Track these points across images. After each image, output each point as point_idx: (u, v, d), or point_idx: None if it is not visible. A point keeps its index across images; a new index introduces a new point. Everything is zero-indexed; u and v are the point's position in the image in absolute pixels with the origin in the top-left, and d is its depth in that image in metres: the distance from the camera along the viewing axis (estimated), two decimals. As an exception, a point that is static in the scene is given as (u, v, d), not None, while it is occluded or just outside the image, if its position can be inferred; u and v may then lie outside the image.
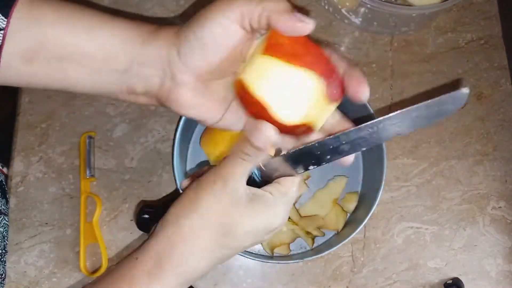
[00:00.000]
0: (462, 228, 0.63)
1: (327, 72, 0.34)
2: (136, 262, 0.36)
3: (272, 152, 0.38)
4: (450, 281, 0.60)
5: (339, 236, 0.59)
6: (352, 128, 0.36)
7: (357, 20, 0.66)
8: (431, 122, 0.35)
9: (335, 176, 0.62)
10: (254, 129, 0.35)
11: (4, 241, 0.58)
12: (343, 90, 0.35)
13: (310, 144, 0.37)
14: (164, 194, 0.61)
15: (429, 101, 0.33)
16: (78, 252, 0.58)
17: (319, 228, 0.59)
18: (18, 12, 0.35)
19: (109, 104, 0.63)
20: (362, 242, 0.62)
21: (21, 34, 0.35)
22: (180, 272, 0.36)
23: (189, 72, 0.36)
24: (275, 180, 0.39)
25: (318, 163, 0.38)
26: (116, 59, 0.36)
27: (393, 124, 0.35)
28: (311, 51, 0.34)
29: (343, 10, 0.65)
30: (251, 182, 0.38)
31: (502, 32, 0.70)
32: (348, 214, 0.61)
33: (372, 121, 0.35)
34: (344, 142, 0.36)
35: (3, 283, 0.57)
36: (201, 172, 0.39)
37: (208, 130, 0.59)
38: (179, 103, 0.38)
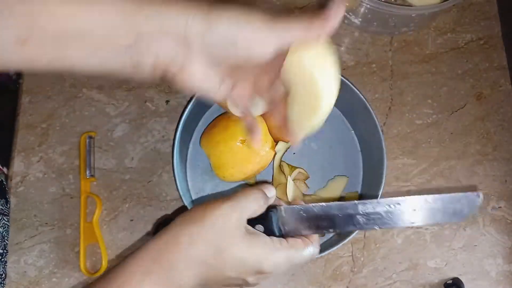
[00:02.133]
0: (462, 228, 0.63)
1: None
2: (132, 260, 0.37)
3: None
4: (450, 281, 0.60)
5: (339, 236, 0.59)
6: (371, 200, 0.38)
7: (356, 21, 0.66)
8: (444, 219, 0.38)
9: (335, 176, 0.62)
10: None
11: (4, 241, 0.58)
12: None
13: (328, 205, 0.39)
14: (164, 194, 0.61)
15: (445, 195, 0.37)
16: (78, 252, 0.58)
17: (319, 228, 0.59)
18: None
19: (109, 104, 0.63)
20: (362, 242, 0.62)
21: (10, 15, 0.32)
22: (168, 276, 0.36)
23: (206, 57, 0.34)
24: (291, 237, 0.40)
25: (333, 227, 0.39)
26: (118, 34, 0.33)
27: (409, 208, 0.38)
28: None
29: (343, 11, 0.65)
30: (268, 232, 0.39)
31: (501, 32, 0.70)
32: (348, 214, 0.61)
33: (391, 198, 0.38)
34: (361, 212, 0.38)
35: (3, 283, 0.57)
36: None
37: (208, 130, 0.59)
38: (186, 81, 0.36)
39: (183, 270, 0.36)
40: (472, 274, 0.62)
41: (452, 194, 0.37)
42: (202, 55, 0.34)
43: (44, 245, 0.59)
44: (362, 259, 0.61)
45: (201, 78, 0.35)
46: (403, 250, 0.62)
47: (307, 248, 0.39)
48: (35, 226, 0.59)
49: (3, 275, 0.57)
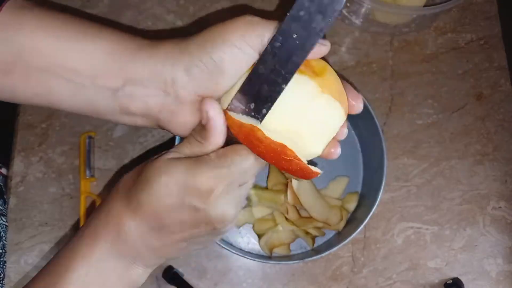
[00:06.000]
0: (462, 228, 0.63)
1: None
2: (83, 228, 0.34)
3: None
4: (450, 281, 0.60)
5: (340, 236, 0.59)
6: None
7: (357, 21, 0.66)
8: (326, 22, 0.31)
9: (336, 176, 0.62)
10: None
11: (2, 241, 0.58)
12: None
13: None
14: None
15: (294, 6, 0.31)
16: (78, 252, 0.58)
17: (319, 228, 0.59)
18: None
19: (109, 104, 0.63)
20: (362, 242, 0.62)
21: None
22: (117, 241, 0.33)
23: (196, 92, 0.34)
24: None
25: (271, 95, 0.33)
26: (105, 75, 0.34)
27: (293, 40, 0.32)
28: None
29: (343, 11, 0.65)
30: None
31: (502, 32, 0.70)
32: (349, 214, 0.61)
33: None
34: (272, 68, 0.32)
35: (2, 283, 0.57)
36: None
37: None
38: (181, 124, 0.35)
39: (130, 236, 0.33)
40: (472, 274, 0.62)
41: None
42: (192, 92, 0.33)
43: (44, 245, 0.59)
44: (362, 259, 0.61)
45: (192, 119, 0.35)
46: (403, 250, 0.62)
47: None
48: (35, 226, 0.59)
49: (2, 275, 0.57)
